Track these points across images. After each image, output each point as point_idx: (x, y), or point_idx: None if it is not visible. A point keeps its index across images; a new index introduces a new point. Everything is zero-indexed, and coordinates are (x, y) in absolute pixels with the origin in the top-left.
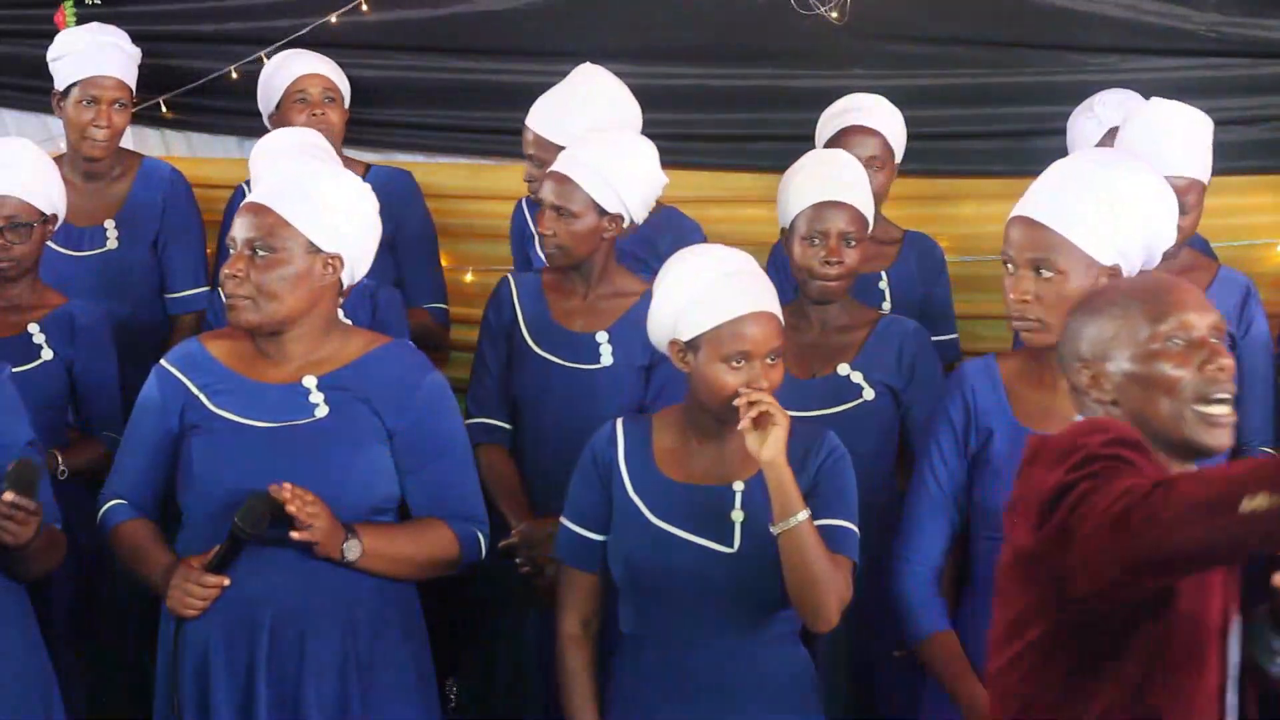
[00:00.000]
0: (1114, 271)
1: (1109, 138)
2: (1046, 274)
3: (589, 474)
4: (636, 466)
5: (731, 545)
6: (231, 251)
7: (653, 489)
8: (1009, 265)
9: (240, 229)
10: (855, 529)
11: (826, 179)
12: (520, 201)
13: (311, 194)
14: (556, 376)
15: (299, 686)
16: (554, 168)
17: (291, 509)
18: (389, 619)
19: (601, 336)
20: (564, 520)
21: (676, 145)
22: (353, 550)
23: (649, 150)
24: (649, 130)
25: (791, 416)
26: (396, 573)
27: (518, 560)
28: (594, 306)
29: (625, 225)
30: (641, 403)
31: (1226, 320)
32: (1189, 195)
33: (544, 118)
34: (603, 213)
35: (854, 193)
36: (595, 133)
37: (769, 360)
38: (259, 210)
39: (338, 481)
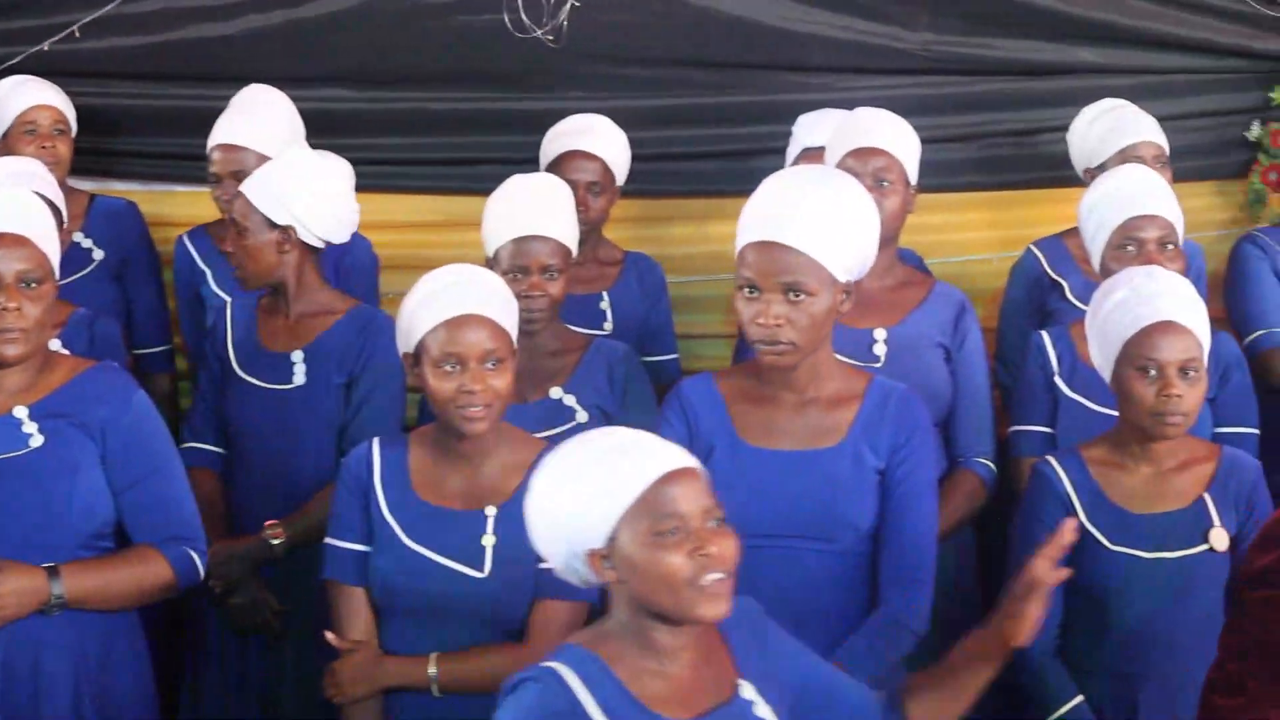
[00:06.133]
0: (847, 289)
1: (805, 157)
2: (797, 297)
3: (349, 490)
4: (392, 487)
5: (482, 570)
6: None
7: (407, 510)
8: (749, 289)
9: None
10: None
11: (527, 211)
12: (182, 236)
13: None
14: (255, 398)
15: (36, 716)
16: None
17: None
18: (117, 648)
19: (296, 355)
20: (329, 540)
21: (397, 170)
22: (56, 602)
23: (331, 166)
24: (368, 155)
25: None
26: (109, 607)
27: (210, 581)
28: (294, 326)
29: (310, 241)
30: (343, 421)
31: (941, 334)
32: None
33: (224, 137)
34: (274, 227)
35: (556, 223)
36: (286, 152)
37: (488, 366)
38: (21, 241)
39: (59, 511)
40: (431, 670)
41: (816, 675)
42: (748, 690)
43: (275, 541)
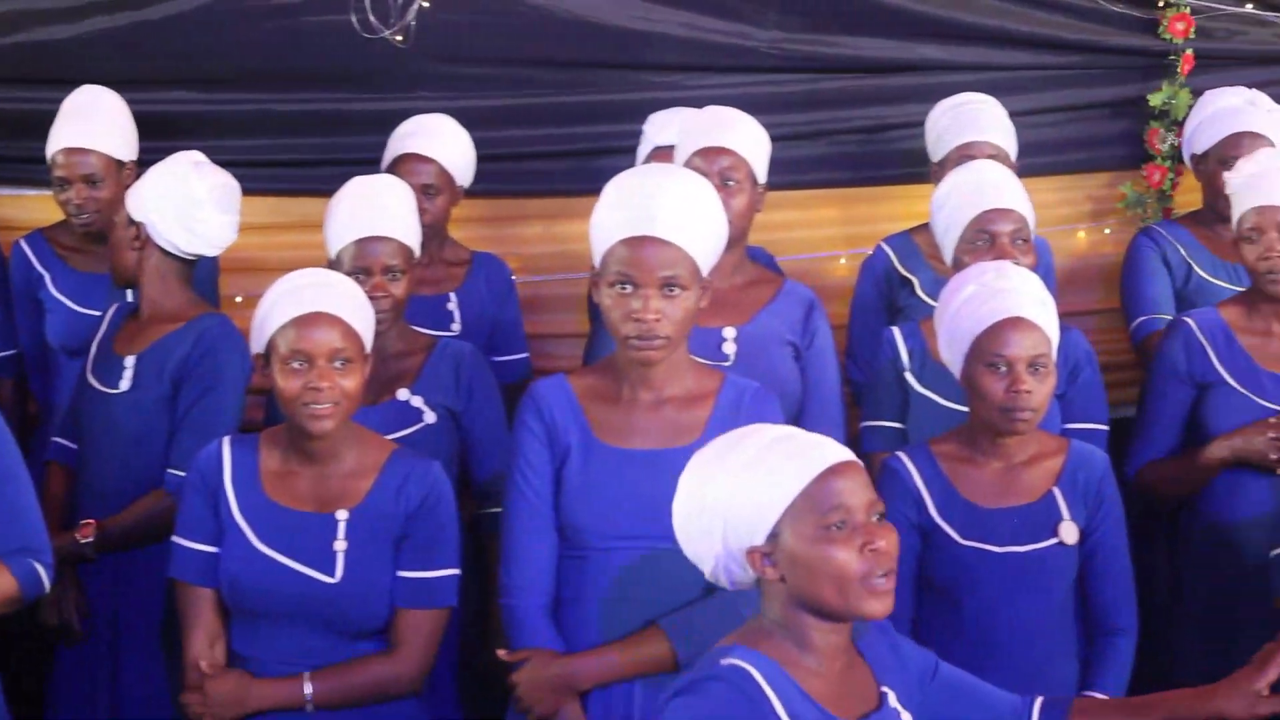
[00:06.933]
0: (706, 284)
1: (655, 155)
2: (672, 291)
3: (197, 490)
4: (242, 488)
5: (333, 575)
6: None
7: (257, 512)
8: (625, 285)
9: None
10: None
11: (368, 212)
12: (18, 240)
13: None
14: (92, 399)
15: None
16: None
17: None
18: None
19: (129, 360)
20: (176, 539)
21: (243, 172)
22: None
23: (203, 177)
24: (214, 157)
25: None
26: None
27: None
28: (142, 330)
29: (162, 245)
30: (169, 430)
31: (791, 332)
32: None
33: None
34: (131, 223)
35: (398, 224)
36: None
37: (336, 365)
38: None
39: None
40: (307, 690)
41: (943, 673)
42: (893, 699)
43: (84, 540)
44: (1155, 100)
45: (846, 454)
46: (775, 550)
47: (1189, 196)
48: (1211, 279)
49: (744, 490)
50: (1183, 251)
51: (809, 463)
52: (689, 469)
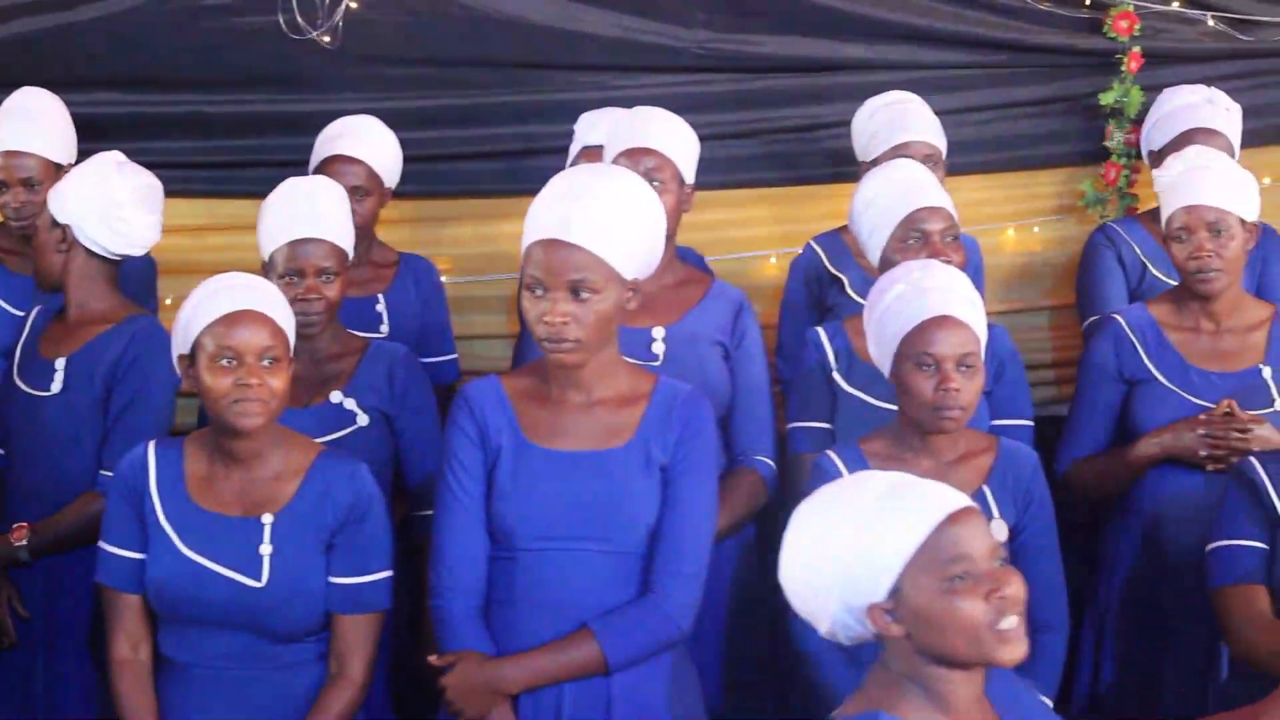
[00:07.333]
0: (634, 286)
1: (584, 155)
2: (583, 295)
3: (122, 495)
4: (167, 493)
5: (259, 579)
6: None
7: (183, 517)
8: (536, 288)
9: None
10: None
11: (301, 214)
12: None
13: None
14: (20, 402)
15: None
16: None
17: None
18: None
19: (60, 363)
20: (102, 544)
21: (172, 174)
22: None
23: (125, 177)
24: (144, 159)
25: None
26: None
27: None
28: (70, 333)
29: (89, 246)
30: (101, 432)
31: (720, 332)
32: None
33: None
34: (55, 225)
35: (331, 226)
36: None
37: (264, 363)
38: None
39: None
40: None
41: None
42: None
43: (17, 544)
44: (1106, 99)
45: (963, 500)
46: (898, 606)
47: (1147, 192)
48: (1165, 278)
49: (861, 546)
50: (1137, 250)
51: (927, 513)
52: (795, 523)
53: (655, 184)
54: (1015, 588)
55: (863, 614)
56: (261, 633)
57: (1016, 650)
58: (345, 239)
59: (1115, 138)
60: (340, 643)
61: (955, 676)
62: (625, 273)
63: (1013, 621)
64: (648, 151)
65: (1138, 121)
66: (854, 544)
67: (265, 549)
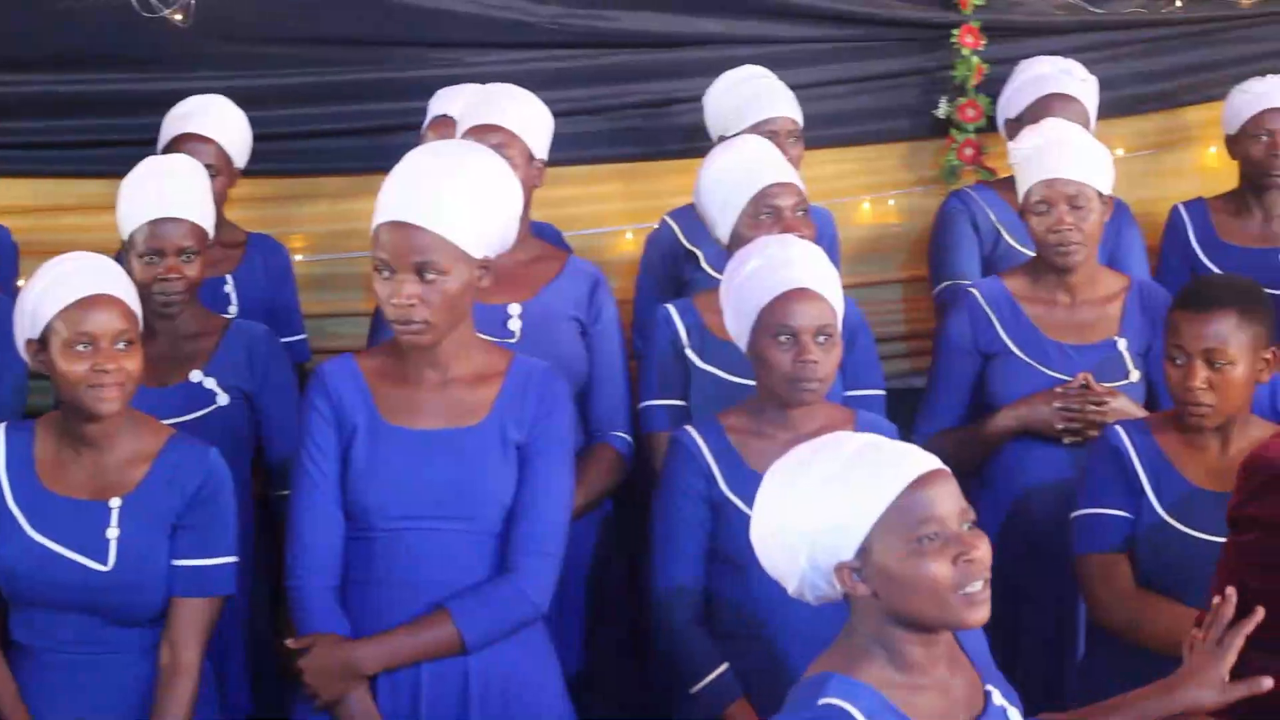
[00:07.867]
0: (485, 264)
1: (433, 125)
2: (430, 276)
3: None
4: (16, 476)
5: (106, 563)
6: None
7: (31, 500)
8: (384, 270)
9: None
10: None
11: (161, 193)
12: None
13: None
14: None
15: None
16: None
17: None
18: None
19: None
20: None
21: (29, 154)
22: None
23: None
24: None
25: None
26: None
27: None
28: None
29: None
30: None
31: (576, 309)
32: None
33: None
34: None
35: (192, 205)
36: None
37: (119, 346)
38: None
39: None
40: None
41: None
42: (998, 697)
43: None
44: (959, 73)
45: (934, 462)
46: (865, 565)
47: (1000, 164)
48: (1019, 246)
49: (830, 505)
50: (992, 216)
51: (897, 474)
52: (767, 483)
53: None
54: (983, 551)
55: (830, 573)
56: (108, 617)
57: (981, 613)
58: (206, 218)
59: (943, 108)
60: (175, 629)
61: (920, 639)
62: (474, 251)
63: (979, 585)
64: (495, 128)
65: (990, 95)
66: (823, 503)
67: (112, 532)
